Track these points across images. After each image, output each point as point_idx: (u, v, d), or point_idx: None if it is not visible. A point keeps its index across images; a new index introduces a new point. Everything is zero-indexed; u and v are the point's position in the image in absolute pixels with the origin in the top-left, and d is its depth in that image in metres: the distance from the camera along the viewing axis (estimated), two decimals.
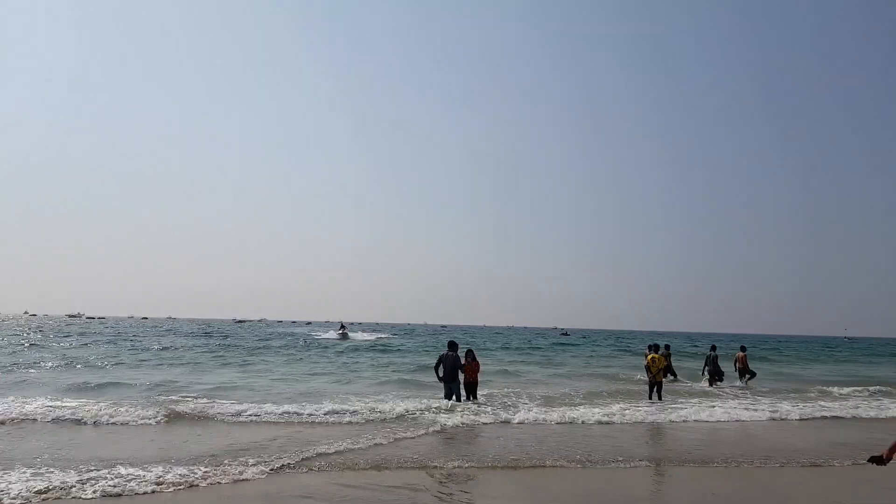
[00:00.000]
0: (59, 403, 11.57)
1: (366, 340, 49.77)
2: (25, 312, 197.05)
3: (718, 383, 19.30)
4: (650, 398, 15.23)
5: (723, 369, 19.89)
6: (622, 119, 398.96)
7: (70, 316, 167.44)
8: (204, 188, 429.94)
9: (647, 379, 15.71)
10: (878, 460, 4.12)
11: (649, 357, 15.53)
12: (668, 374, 21.08)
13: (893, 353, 58.50)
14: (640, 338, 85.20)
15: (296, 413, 11.25)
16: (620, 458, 8.15)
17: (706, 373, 19.79)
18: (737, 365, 20.84)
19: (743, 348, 21.98)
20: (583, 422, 11.42)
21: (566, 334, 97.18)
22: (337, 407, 11.91)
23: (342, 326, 57.46)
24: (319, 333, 61.61)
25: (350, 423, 10.66)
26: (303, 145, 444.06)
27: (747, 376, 20.43)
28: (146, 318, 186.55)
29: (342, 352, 34.66)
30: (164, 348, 32.76)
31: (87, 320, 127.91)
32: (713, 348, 20.58)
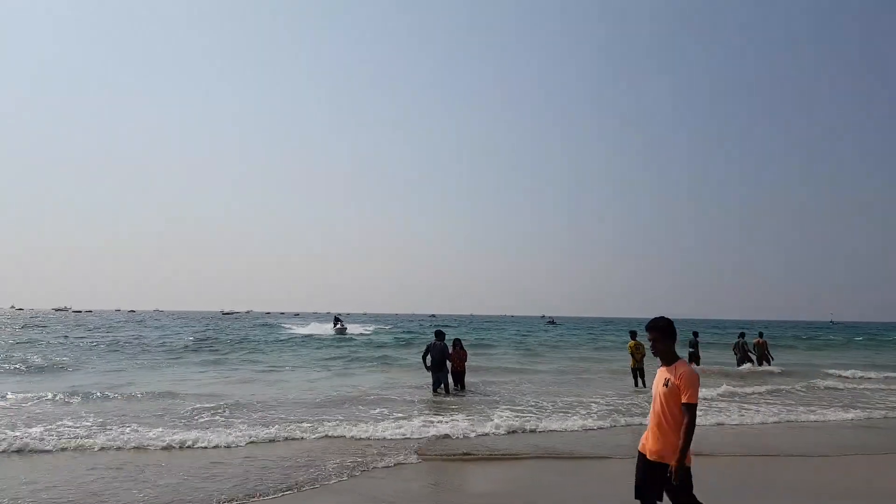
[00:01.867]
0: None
1: (363, 334, 46.45)
2: (12, 307, 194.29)
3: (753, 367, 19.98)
4: (636, 385, 15.29)
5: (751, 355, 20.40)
6: (617, 113, 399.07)
7: (56, 310, 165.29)
8: (200, 184, 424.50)
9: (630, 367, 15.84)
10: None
11: (631, 344, 15.71)
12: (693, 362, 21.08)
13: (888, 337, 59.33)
14: (623, 326, 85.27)
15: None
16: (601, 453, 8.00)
17: (737, 359, 20.58)
18: (755, 350, 20.73)
19: (761, 334, 21.84)
20: (585, 427, 10.04)
21: (553, 322, 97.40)
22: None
23: (338, 320, 49.79)
24: (309, 326, 57.80)
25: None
26: (300, 143, 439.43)
27: (763, 362, 20.30)
28: (133, 312, 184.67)
29: (344, 347, 32.47)
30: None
31: (74, 314, 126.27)
32: (742, 335, 21.25)
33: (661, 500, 3.66)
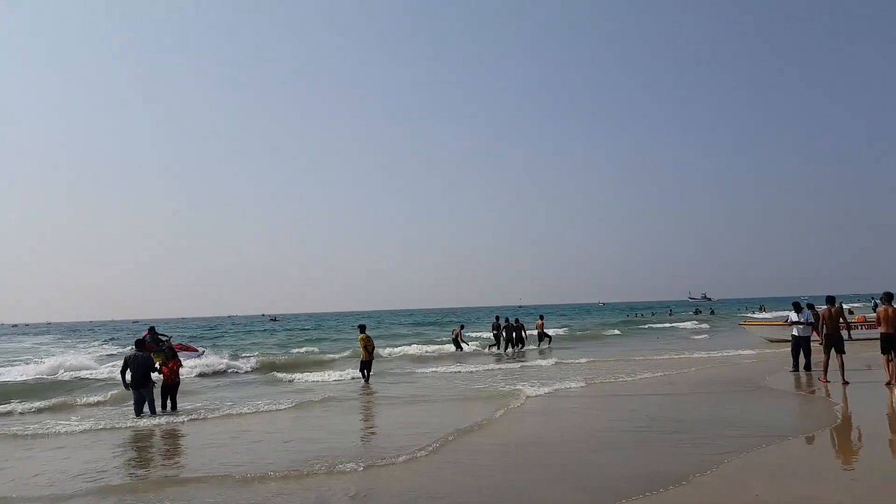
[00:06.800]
0: None
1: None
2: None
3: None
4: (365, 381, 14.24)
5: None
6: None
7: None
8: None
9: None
10: None
11: (362, 337, 14.34)
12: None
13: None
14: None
15: None
16: None
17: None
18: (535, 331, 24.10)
19: (541, 316, 25.52)
20: None
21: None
22: None
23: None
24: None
25: None
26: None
27: (547, 339, 23.99)
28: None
29: None
30: None
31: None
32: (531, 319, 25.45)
33: None
